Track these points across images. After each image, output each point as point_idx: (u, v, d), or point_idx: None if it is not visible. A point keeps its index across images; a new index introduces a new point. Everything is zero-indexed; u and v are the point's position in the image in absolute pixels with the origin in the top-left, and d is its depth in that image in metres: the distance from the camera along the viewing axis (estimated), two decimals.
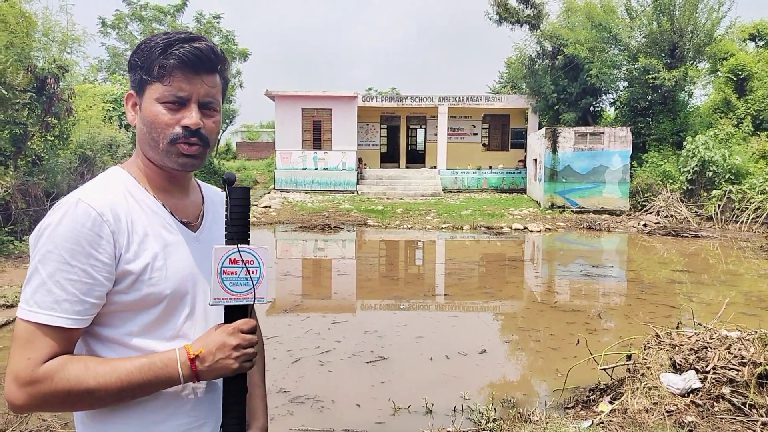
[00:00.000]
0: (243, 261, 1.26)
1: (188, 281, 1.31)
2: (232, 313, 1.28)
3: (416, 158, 31.07)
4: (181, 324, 1.30)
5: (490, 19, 26.01)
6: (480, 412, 4.48)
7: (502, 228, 16.93)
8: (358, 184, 25.55)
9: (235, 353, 1.23)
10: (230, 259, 1.25)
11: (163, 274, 1.26)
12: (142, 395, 1.22)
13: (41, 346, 1.14)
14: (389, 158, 30.36)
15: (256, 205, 20.60)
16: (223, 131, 39.00)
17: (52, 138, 13.50)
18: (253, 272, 1.27)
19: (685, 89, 22.21)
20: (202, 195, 1.49)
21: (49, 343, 1.15)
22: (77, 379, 1.15)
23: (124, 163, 1.41)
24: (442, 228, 17.11)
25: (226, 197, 1.27)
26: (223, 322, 1.29)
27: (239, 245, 1.26)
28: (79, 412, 1.26)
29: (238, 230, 1.28)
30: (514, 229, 16.77)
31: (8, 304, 7.51)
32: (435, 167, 27.35)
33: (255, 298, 1.27)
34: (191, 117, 1.28)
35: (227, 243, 1.27)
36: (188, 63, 1.27)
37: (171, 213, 1.35)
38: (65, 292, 1.15)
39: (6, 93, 11.13)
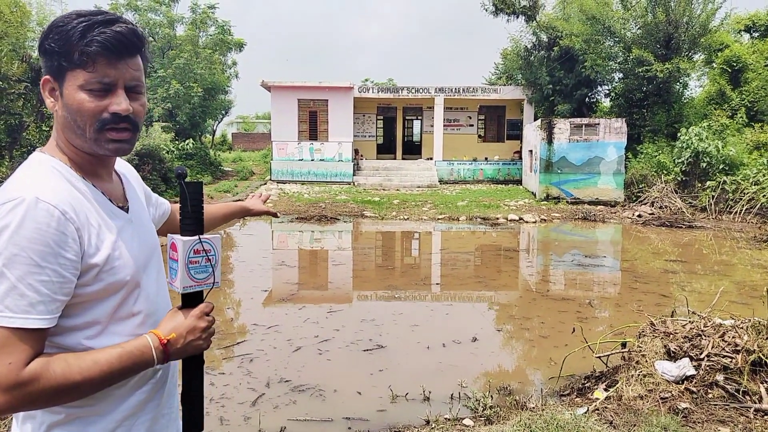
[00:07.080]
0: (204, 250, 1.38)
1: (140, 262, 1.35)
2: (190, 297, 1.38)
3: (412, 149, 31.03)
4: (133, 303, 1.33)
5: (486, 10, 25.98)
6: (477, 400, 4.54)
7: (497, 219, 17.00)
8: (354, 175, 25.55)
9: (204, 335, 1.36)
10: (194, 250, 1.36)
11: (122, 262, 1.28)
12: (121, 380, 1.27)
13: (20, 349, 1.12)
14: (385, 149, 30.36)
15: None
16: (219, 122, 38.84)
17: (48, 128, 13.49)
18: (211, 260, 1.40)
19: (680, 81, 22.23)
20: (117, 173, 1.47)
21: (26, 346, 1.13)
22: (63, 377, 1.15)
23: (43, 148, 1.36)
24: (438, 219, 17.16)
25: (182, 192, 1.36)
26: (180, 305, 1.38)
27: (200, 237, 1.37)
28: None
29: (197, 223, 1.38)
30: (510, 220, 16.84)
31: None
32: (431, 158, 27.35)
33: (214, 282, 1.41)
34: (121, 103, 1.26)
35: (185, 235, 1.37)
36: (111, 48, 1.23)
37: (109, 199, 1.35)
38: (38, 294, 1.14)
39: (1, 83, 11.10)
